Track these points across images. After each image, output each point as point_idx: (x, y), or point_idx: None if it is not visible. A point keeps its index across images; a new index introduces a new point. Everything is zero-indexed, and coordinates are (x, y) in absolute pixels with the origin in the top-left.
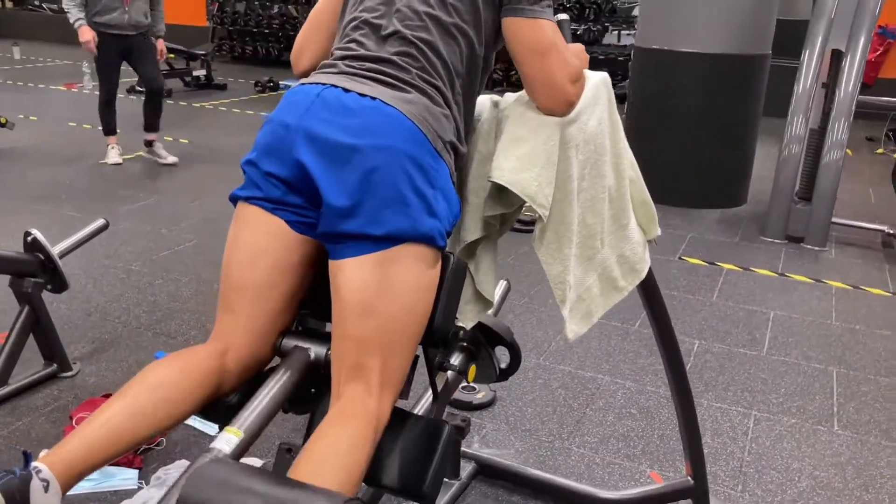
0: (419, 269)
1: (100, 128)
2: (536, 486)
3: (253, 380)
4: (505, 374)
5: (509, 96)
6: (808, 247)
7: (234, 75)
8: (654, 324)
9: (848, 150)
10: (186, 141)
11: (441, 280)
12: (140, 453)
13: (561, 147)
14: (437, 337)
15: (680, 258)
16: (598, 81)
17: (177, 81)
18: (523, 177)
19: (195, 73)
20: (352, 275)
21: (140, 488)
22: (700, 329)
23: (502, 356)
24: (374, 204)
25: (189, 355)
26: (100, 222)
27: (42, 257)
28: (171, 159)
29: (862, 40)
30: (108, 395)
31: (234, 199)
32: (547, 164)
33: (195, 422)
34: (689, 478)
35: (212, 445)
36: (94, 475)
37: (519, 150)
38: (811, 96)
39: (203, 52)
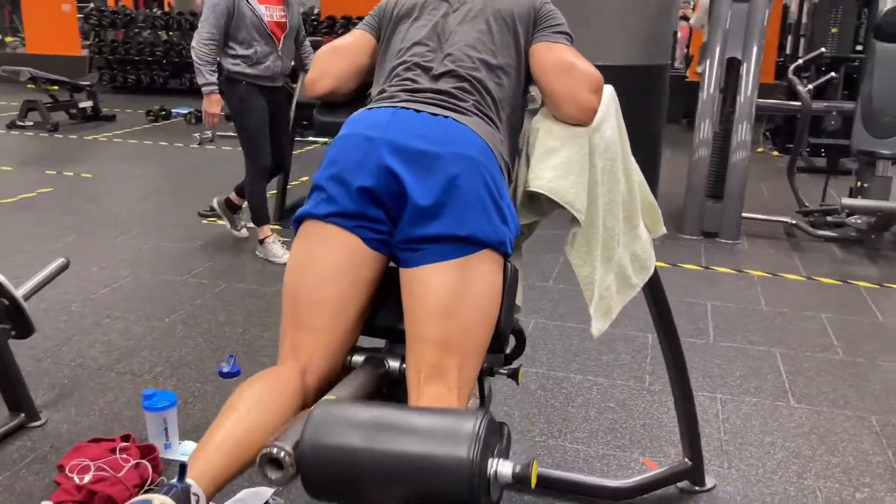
0: (494, 275)
1: (7, 168)
2: (547, 483)
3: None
4: (510, 359)
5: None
6: (723, 241)
7: (121, 105)
8: (656, 317)
9: None
10: (89, 175)
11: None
12: (144, 492)
13: (588, 155)
14: (501, 340)
15: None
16: (608, 94)
17: (62, 114)
18: (561, 185)
19: (81, 105)
20: (434, 279)
21: None
22: (649, 322)
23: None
24: (458, 206)
25: (276, 375)
26: (60, 262)
27: (6, 302)
28: (280, 253)
29: (755, 48)
30: (95, 440)
31: (302, 218)
32: (580, 171)
33: (183, 456)
34: (687, 459)
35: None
36: None
37: (554, 160)
38: (714, 102)
39: (88, 83)
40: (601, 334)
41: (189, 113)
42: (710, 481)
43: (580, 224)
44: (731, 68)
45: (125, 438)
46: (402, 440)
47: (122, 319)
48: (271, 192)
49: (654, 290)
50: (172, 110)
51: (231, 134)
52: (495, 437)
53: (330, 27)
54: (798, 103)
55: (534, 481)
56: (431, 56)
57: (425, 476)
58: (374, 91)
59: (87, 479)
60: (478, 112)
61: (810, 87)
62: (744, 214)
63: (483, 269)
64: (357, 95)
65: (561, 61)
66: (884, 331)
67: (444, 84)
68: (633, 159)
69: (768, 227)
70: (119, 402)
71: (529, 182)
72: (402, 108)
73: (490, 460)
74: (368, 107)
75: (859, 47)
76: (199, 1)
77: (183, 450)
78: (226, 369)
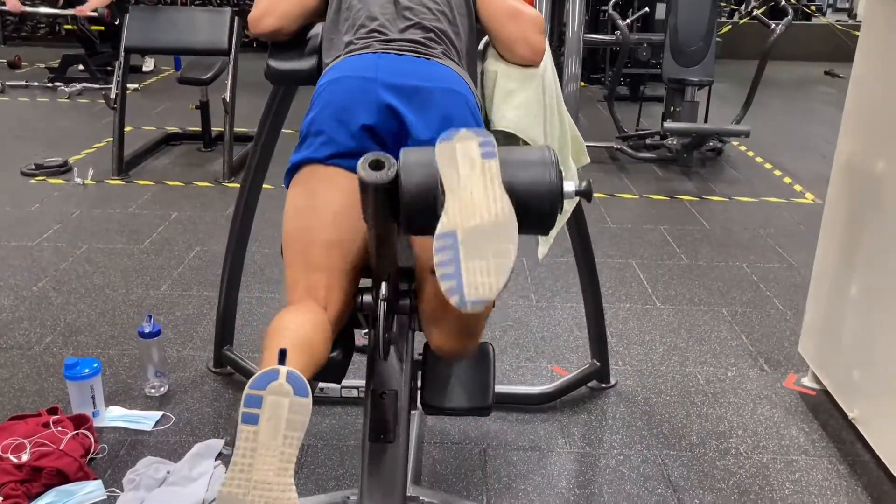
0: None
1: None
2: None
3: (342, 335)
4: None
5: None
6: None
7: None
8: (577, 239)
9: None
10: None
11: None
12: (89, 464)
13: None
14: None
15: None
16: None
17: None
18: (524, 123)
19: None
20: None
21: (113, 495)
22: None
23: None
24: None
25: (304, 308)
26: None
27: None
28: None
29: None
30: (18, 417)
31: (299, 164)
32: (538, 110)
33: (126, 422)
34: (595, 361)
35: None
36: (52, 496)
37: (515, 100)
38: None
39: None
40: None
41: None
42: (612, 379)
43: None
44: (557, 4)
45: (52, 411)
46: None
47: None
48: (107, 139)
49: (577, 216)
50: None
51: (20, 82)
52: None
53: None
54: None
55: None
56: (392, 9)
57: (522, 195)
58: (335, 39)
59: (24, 457)
60: (447, 58)
61: (628, 20)
62: None
63: None
64: (300, 38)
65: (508, 7)
66: (712, 236)
67: (412, 35)
68: (562, 96)
69: (595, 153)
70: (18, 378)
71: (496, 122)
72: (384, 52)
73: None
74: (348, 54)
75: None
76: None
77: (111, 416)
78: (147, 329)
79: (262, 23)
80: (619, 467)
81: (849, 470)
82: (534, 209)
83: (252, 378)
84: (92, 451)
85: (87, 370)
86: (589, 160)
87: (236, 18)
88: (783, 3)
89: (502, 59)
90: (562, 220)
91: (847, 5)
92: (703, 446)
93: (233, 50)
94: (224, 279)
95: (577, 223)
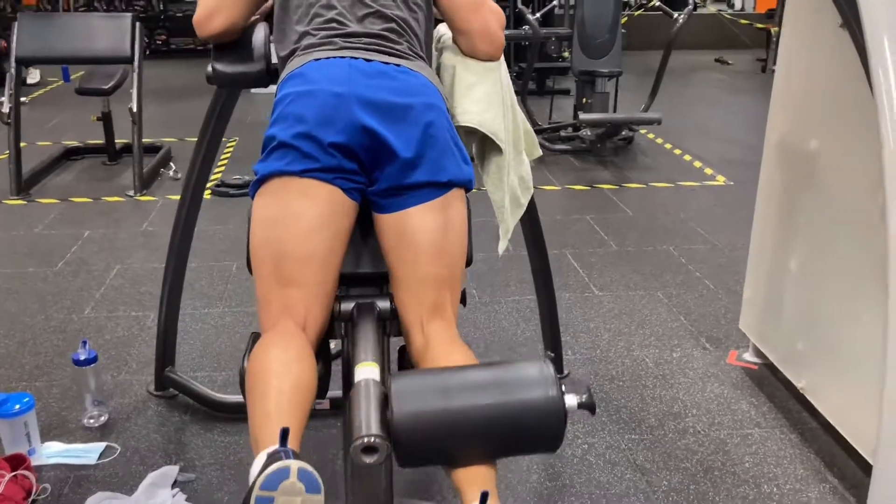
0: (464, 210)
1: None
2: None
3: (321, 347)
4: None
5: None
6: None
7: None
8: (529, 232)
9: None
10: None
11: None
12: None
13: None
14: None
15: None
16: None
17: None
18: (486, 117)
19: None
20: (422, 220)
21: None
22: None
23: None
24: (436, 155)
25: (284, 335)
26: None
27: None
28: None
29: None
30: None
31: (272, 176)
32: (498, 104)
33: (67, 458)
34: (549, 352)
35: (360, 381)
36: None
37: (475, 94)
38: None
39: None
40: None
41: None
42: (564, 369)
43: (501, 153)
44: None
45: None
46: (490, 392)
47: None
48: (2, 154)
49: (529, 209)
50: None
51: None
52: None
53: None
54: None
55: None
56: None
57: (522, 417)
58: (287, 29)
59: None
60: (414, 54)
61: (538, 15)
62: None
63: (457, 206)
64: (244, 38)
65: None
66: (636, 222)
67: (372, 26)
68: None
69: None
70: None
71: (458, 117)
72: (353, 57)
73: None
74: (313, 56)
75: None
76: None
77: (48, 452)
78: (83, 356)
79: (212, 23)
80: (585, 456)
81: (800, 438)
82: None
83: (261, 476)
84: (34, 492)
85: (17, 406)
86: (541, 152)
87: (138, 24)
88: None
89: (460, 53)
90: (518, 213)
91: None
92: (662, 428)
93: (136, 57)
94: (164, 297)
95: (530, 216)
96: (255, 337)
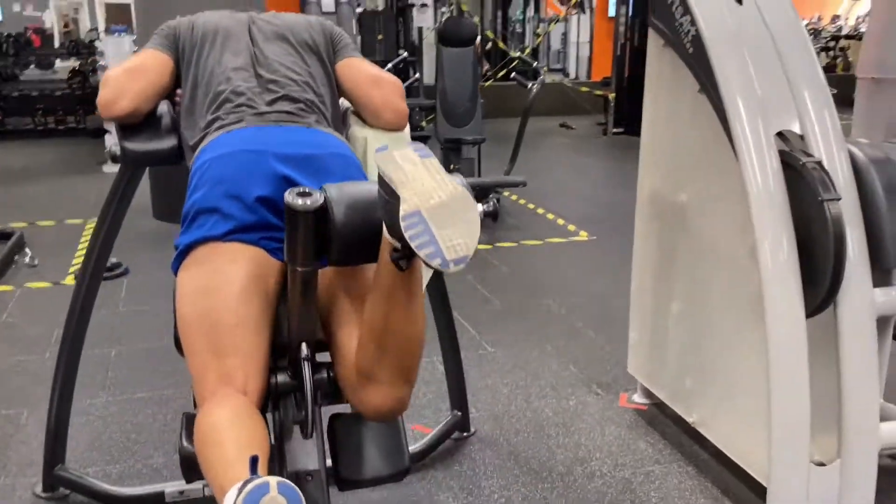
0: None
1: None
2: None
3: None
4: None
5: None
6: None
7: None
8: (436, 293)
9: None
10: None
11: None
12: None
13: None
14: None
15: None
16: None
17: None
18: None
19: None
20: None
21: None
22: None
23: None
24: None
25: (227, 398)
26: None
27: None
28: None
29: None
30: None
31: (193, 245)
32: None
33: None
34: (456, 412)
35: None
36: None
37: None
38: None
39: None
40: None
41: None
42: (471, 427)
43: None
44: None
45: None
46: None
47: None
48: None
49: (437, 276)
50: None
51: None
52: None
53: None
54: None
55: None
56: (255, 82)
57: None
58: (195, 118)
59: None
60: (324, 125)
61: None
62: None
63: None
64: (151, 116)
65: (369, 74)
66: (514, 279)
67: (282, 107)
68: None
69: None
70: None
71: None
72: (263, 125)
73: None
74: (225, 130)
75: (402, 51)
76: None
77: None
78: None
79: (117, 106)
80: None
81: (696, 470)
82: None
83: (242, 494)
84: None
85: None
86: None
87: None
88: (535, 65)
89: (367, 125)
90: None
91: (559, 66)
92: (571, 474)
93: None
94: (55, 391)
95: (437, 282)
96: (189, 417)
